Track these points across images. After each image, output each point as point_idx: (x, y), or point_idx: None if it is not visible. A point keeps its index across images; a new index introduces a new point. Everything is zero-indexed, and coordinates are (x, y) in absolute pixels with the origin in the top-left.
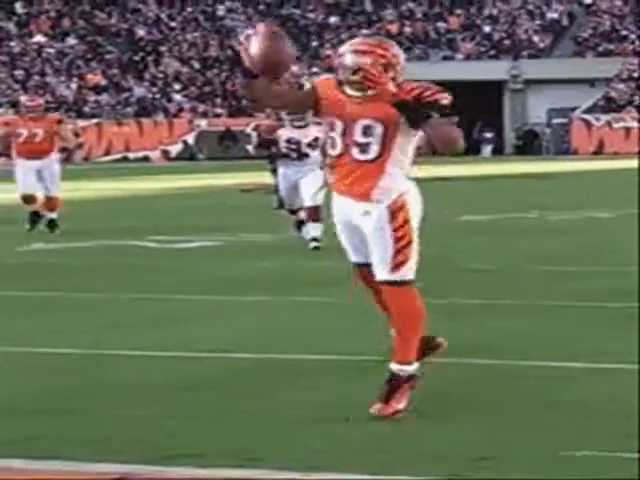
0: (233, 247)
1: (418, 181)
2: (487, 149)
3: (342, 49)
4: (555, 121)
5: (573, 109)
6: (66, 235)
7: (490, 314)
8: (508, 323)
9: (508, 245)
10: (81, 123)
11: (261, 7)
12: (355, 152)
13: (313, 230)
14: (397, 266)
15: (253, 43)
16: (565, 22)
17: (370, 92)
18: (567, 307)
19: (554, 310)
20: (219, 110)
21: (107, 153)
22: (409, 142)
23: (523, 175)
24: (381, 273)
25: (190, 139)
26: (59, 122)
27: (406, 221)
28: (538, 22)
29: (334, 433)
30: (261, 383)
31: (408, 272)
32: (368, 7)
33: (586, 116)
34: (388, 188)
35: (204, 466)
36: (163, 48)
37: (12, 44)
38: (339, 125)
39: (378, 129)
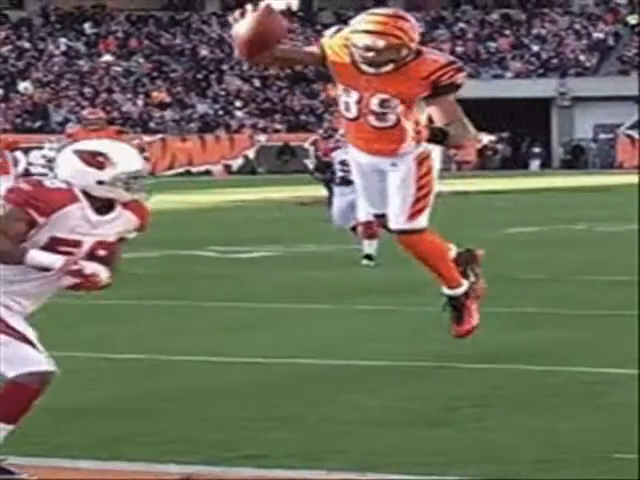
0: (291, 257)
1: (469, 194)
2: (535, 163)
3: (355, 24)
4: (601, 137)
5: (618, 125)
6: (133, 245)
7: (543, 323)
8: (560, 331)
9: (557, 256)
10: (146, 138)
11: (318, 27)
12: (372, 119)
13: (368, 247)
14: (414, 214)
15: (244, 22)
16: (611, 42)
17: (385, 69)
18: (614, 316)
19: (602, 318)
20: (278, 126)
21: (171, 167)
22: (423, 112)
23: (570, 189)
24: (398, 222)
25: (250, 154)
26: (119, 133)
27: (429, 170)
28: (585, 42)
29: (390, 435)
30: (322, 387)
31: (423, 220)
32: (421, 28)
33: (631, 132)
34: (411, 144)
35: (268, 467)
36: (225, 67)
37: (81, 63)
38: (354, 93)
39: (394, 102)
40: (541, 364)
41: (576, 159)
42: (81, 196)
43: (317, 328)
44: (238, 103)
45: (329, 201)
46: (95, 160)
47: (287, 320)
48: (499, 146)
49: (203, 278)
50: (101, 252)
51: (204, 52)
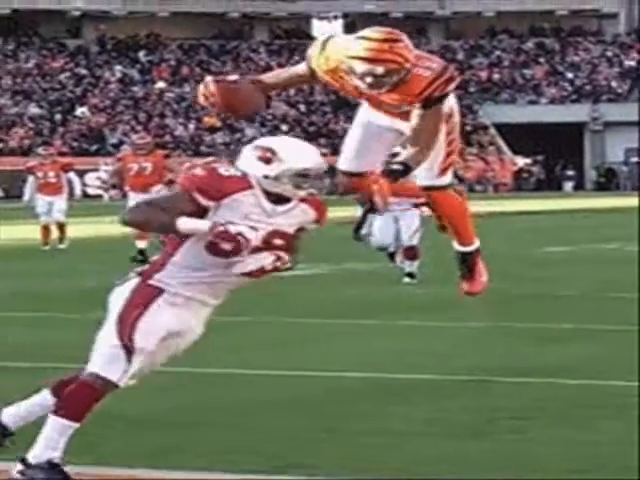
0: (337, 275)
1: (505, 214)
2: (569, 185)
3: (349, 47)
4: (632, 160)
5: None
6: None
7: (577, 338)
8: (593, 346)
9: (590, 274)
10: (197, 161)
11: None
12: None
13: (409, 267)
14: (444, 170)
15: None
16: None
17: (384, 89)
18: None
19: (633, 334)
20: (323, 150)
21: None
22: None
23: (602, 210)
24: (429, 178)
25: None
26: (166, 157)
27: (454, 128)
28: (616, 69)
29: (434, 446)
30: (368, 400)
31: (450, 176)
32: (460, 56)
33: None
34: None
35: (315, 476)
36: (273, 92)
37: (136, 89)
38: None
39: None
40: (576, 378)
41: (608, 181)
42: (256, 185)
43: (363, 343)
44: (284, 127)
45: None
46: (265, 155)
47: (334, 335)
48: (534, 169)
49: (252, 295)
50: (277, 241)
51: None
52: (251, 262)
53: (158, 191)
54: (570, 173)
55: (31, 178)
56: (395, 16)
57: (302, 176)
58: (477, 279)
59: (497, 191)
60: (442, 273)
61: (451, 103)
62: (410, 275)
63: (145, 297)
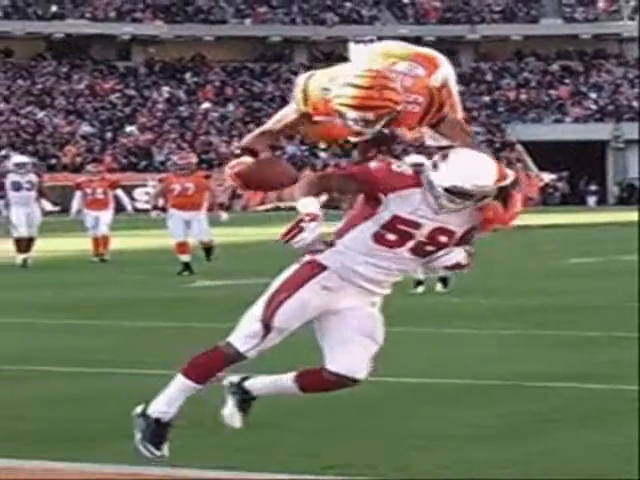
0: None
1: (532, 228)
2: (592, 200)
3: (336, 88)
4: None
5: None
6: (226, 273)
7: (604, 345)
8: (619, 352)
9: (615, 284)
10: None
11: None
12: None
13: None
14: None
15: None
16: None
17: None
18: None
19: None
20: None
21: (262, 203)
22: None
23: (624, 223)
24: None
25: None
26: (207, 177)
27: (450, 94)
28: (637, 90)
29: (463, 449)
30: (411, 404)
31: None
32: (489, 77)
33: None
34: None
35: (349, 475)
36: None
37: (182, 109)
38: None
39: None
40: (603, 382)
41: (629, 196)
42: (425, 184)
43: (409, 350)
44: (322, 145)
45: None
46: (435, 162)
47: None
48: (559, 184)
49: None
50: (441, 238)
51: None
52: (449, 257)
53: (202, 211)
54: (593, 188)
55: (78, 193)
56: (428, 40)
57: (453, 193)
58: (511, 210)
59: (524, 205)
60: (477, 284)
61: (444, 73)
62: (443, 280)
63: (302, 276)
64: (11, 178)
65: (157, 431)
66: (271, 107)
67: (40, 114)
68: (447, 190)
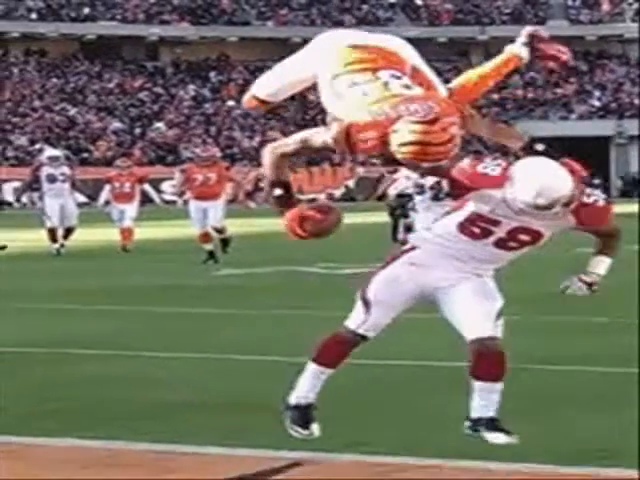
0: None
1: None
2: (597, 192)
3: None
4: None
5: None
6: (249, 262)
7: (610, 330)
8: (625, 337)
9: (621, 272)
10: (262, 170)
11: None
12: None
13: None
14: None
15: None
16: None
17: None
18: None
19: None
20: (375, 160)
21: None
22: None
23: (627, 214)
24: None
25: (351, 184)
26: (227, 168)
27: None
28: (638, 88)
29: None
30: (422, 385)
31: None
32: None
33: None
34: None
35: (367, 453)
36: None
37: (207, 106)
38: None
39: None
40: (608, 365)
41: (632, 189)
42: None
43: (419, 334)
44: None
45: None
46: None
47: (392, 328)
48: None
49: (312, 291)
50: (522, 237)
51: (312, 97)
52: None
53: (220, 201)
54: (597, 182)
55: (107, 186)
56: (439, 41)
57: (535, 207)
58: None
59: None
60: None
61: (411, 63)
62: None
63: (395, 255)
64: (46, 171)
65: (300, 415)
66: (291, 104)
67: (73, 111)
68: (529, 206)
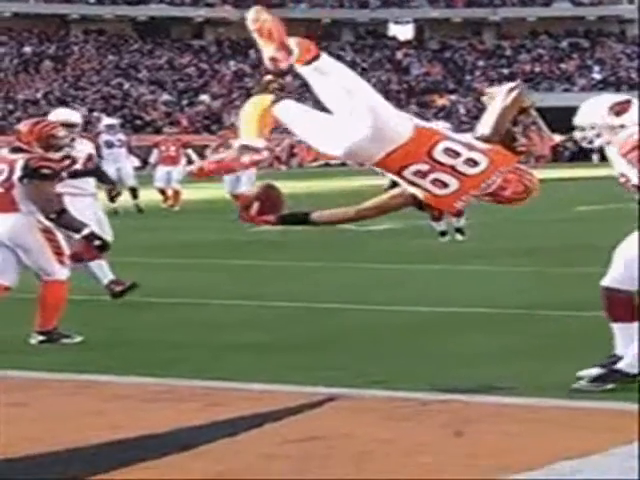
0: (409, 229)
1: (545, 181)
2: (595, 157)
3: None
4: None
5: None
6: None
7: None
8: None
9: (617, 228)
10: (296, 138)
11: (429, 53)
12: None
13: (457, 222)
14: None
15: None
16: None
17: None
18: None
19: None
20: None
21: (315, 160)
22: None
23: None
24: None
25: None
26: None
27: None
28: (635, 64)
29: (494, 365)
30: (440, 329)
31: None
32: (508, 53)
33: None
34: None
35: (391, 389)
36: None
37: (247, 80)
38: None
39: None
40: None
41: None
42: None
43: (436, 284)
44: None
45: None
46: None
47: (408, 278)
48: (568, 144)
49: (340, 245)
50: None
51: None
52: None
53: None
54: (597, 146)
55: (156, 150)
56: (455, 21)
57: None
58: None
59: (538, 162)
60: (492, 229)
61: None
62: (459, 230)
63: None
64: (103, 138)
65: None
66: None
67: (127, 84)
68: None
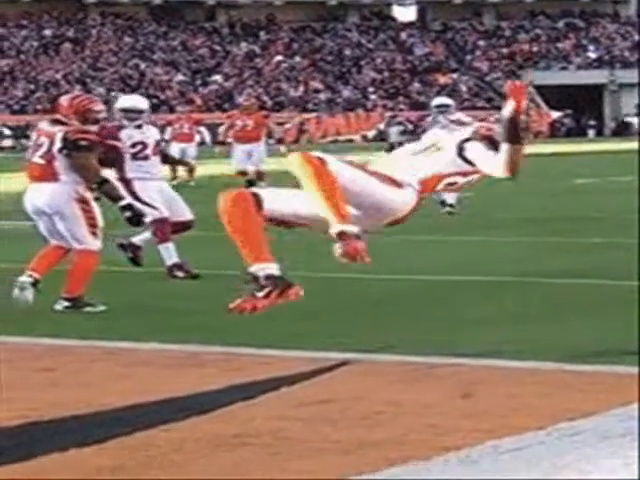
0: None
1: (542, 156)
2: (591, 132)
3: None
4: None
5: None
6: None
7: (604, 249)
8: (617, 254)
9: (612, 199)
10: (305, 116)
11: (432, 33)
12: None
13: (450, 199)
14: None
15: None
16: None
17: None
18: None
19: None
20: (402, 106)
21: (324, 136)
22: None
23: (619, 151)
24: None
25: (382, 126)
26: (265, 117)
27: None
28: (628, 43)
29: (495, 330)
30: (447, 295)
31: None
32: (507, 33)
33: None
34: None
35: (398, 354)
36: (363, 62)
37: (257, 61)
38: None
39: None
40: (603, 278)
41: (623, 129)
42: None
43: (437, 253)
44: (372, 89)
45: None
46: None
47: (414, 248)
48: (565, 120)
49: None
50: None
51: (347, 52)
52: None
53: (261, 144)
54: (593, 123)
55: (169, 128)
56: (456, 3)
57: None
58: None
59: (536, 137)
60: (495, 201)
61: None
62: (451, 205)
63: None
64: None
65: None
66: (330, 58)
67: (143, 65)
68: None
